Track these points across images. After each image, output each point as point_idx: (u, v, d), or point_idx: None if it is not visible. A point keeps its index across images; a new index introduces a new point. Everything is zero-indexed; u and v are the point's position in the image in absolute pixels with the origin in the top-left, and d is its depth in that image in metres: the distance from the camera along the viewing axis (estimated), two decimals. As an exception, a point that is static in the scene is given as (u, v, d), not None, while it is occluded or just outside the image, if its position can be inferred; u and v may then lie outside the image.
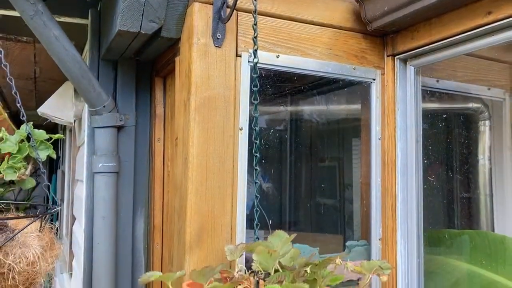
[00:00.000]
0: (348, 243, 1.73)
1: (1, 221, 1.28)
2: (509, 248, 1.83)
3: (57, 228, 1.33)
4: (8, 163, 1.30)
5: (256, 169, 1.26)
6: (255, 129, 1.26)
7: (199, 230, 1.40)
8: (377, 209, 1.70)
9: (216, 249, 1.40)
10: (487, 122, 2.93)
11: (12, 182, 1.54)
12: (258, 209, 1.35)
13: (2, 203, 1.42)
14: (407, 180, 1.71)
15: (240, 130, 1.47)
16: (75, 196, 2.68)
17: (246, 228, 1.46)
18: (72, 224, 2.77)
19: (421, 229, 1.70)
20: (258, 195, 1.39)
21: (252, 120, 1.40)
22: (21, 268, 1.11)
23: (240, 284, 1.01)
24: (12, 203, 1.43)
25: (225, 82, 1.44)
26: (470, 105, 2.98)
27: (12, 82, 1.29)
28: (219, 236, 1.42)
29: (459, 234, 1.99)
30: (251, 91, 1.38)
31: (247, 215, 1.49)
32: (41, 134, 1.39)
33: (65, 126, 3.68)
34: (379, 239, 1.70)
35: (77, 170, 2.69)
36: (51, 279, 4.18)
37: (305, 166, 2.58)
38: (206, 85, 1.41)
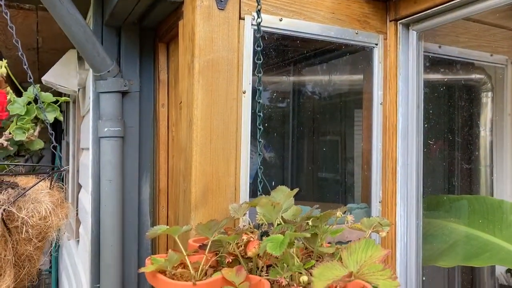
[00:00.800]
0: (348, 205, 1.77)
1: (13, 181, 1.32)
2: (507, 212, 1.87)
3: (65, 189, 1.36)
4: (17, 124, 1.33)
5: (259, 128, 1.28)
6: (258, 89, 1.29)
7: (204, 190, 1.44)
8: (378, 172, 1.74)
9: (221, 208, 1.44)
10: (489, 94, 2.94)
11: (17, 154, 1.58)
12: (262, 180, 1.39)
13: (12, 164, 1.46)
14: (407, 145, 1.74)
15: (244, 93, 1.49)
16: (81, 165, 2.73)
17: (250, 197, 1.50)
18: (78, 193, 2.82)
19: (421, 192, 1.74)
20: (261, 166, 1.43)
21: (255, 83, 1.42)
22: (34, 222, 1.15)
23: (245, 235, 1.05)
24: (21, 165, 1.47)
25: (229, 45, 1.45)
26: (473, 76, 2.99)
27: (18, 44, 1.31)
28: (223, 196, 1.46)
29: (457, 199, 2.03)
30: (255, 53, 1.39)
31: (250, 183, 1.53)
32: (48, 96, 1.41)
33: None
34: (379, 202, 1.74)
35: (82, 139, 2.73)
36: (58, 248, 4.28)
37: (307, 135, 2.61)
38: (210, 48, 1.43)
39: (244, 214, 1.28)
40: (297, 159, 2.58)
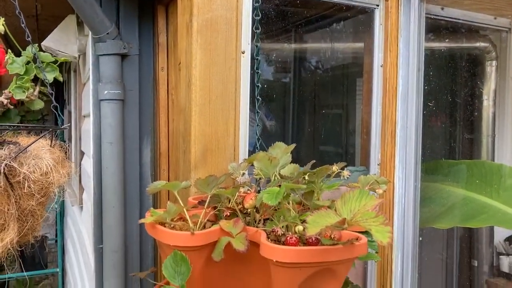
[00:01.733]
0: (347, 168, 1.79)
1: (14, 140, 1.33)
2: (505, 175, 1.89)
3: (66, 148, 1.38)
4: (16, 83, 1.34)
5: (257, 86, 1.29)
6: (256, 46, 1.28)
7: (203, 150, 1.45)
8: (377, 135, 1.74)
9: (220, 168, 1.46)
10: (493, 63, 2.91)
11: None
12: (259, 138, 1.40)
13: (12, 125, 1.47)
14: (407, 107, 1.74)
15: (242, 53, 1.48)
16: (83, 132, 2.74)
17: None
18: (81, 160, 2.85)
19: (419, 155, 1.75)
20: (259, 124, 1.44)
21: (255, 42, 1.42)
22: (35, 177, 1.17)
23: (242, 187, 1.07)
24: (22, 126, 1.48)
25: (227, 3, 1.43)
26: (478, 44, 2.95)
27: (15, 1, 1.30)
28: (222, 156, 1.47)
29: (456, 164, 2.04)
30: (253, 10, 1.38)
31: (250, 151, 1.54)
32: (47, 56, 1.41)
33: (69, 67, 3.69)
34: (378, 164, 1.75)
35: (84, 106, 2.73)
36: (62, 217, 4.35)
37: (307, 102, 2.60)
38: (208, 7, 1.41)
39: (243, 174, 1.30)
40: (297, 126, 2.58)
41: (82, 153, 2.85)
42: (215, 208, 1.17)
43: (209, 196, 1.15)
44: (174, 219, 1.09)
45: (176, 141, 1.79)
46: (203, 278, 1.05)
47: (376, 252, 1.17)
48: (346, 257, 0.94)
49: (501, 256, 2.94)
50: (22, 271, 4.27)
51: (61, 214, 4.33)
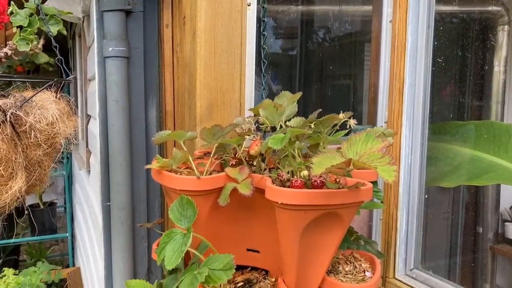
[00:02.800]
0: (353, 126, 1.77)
1: (20, 94, 1.33)
2: (514, 135, 1.86)
3: (71, 102, 1.37)
4: (20, 35, 1.33)
5: (263, 34, 1.26)
6: (263, 7, 1.26)
7: (208, 105, 1.44)
8: (384, 93, 1.72)
9: (226, 122, 1.45)
10: (506, 27, 2.84)
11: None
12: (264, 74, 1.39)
13: (18, 79, 1.47)
14: (416, 65, 1.70)
15: (248, 6, 1.45)
16: (88, 95, 2.74)
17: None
18: (87, 124, 2.86)
19: (427, 113, 1.73)
20: (265, 60, 1.42)
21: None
22: (41, 127, 1.17)
23: (248, 135, 1.06)
24: (28, 79, 1.48)
25: (233, -47, 1.40)
26: (490, 8, 2.87)
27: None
28: (228, 111, 1.47)
29: (464, 124, 2.02)
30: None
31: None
32: (50, 8, 1.39)
33: (74, 34, 3.66)
34: (385, 122, 1.74)
35: (89, 70, 2.72)
36: (71, 184, 4.41)
37: (314, 64, 2.57)
38: (213, -44, 1.38)
39: (249, 122, 1.29)
40: (304, 90, 2.56)
41: (88, 117, 2.86)
42: (220, 158, 1.17)
43: (215, 146, 1.15)
44: (181, 168, 1.09)
45: (181, 100, 1.78)
46: (209, 224, 1.06)
47: (381, 202, 1.17)
48: (351, 201, 0.94)
49: (506, 223, 2.95)
50: (34, 236, 4.37)
51: (69, 182, 4.38)
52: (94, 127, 2.24)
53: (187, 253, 1.06)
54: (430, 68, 1.72)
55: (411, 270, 1.76)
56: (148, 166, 1.03)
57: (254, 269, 1.14)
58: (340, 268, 1.17)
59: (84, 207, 3.22)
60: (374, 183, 1.21)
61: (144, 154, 1.86)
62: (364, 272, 1.16)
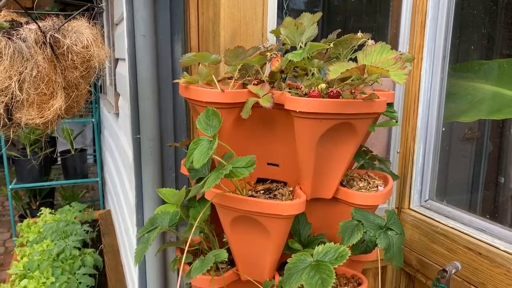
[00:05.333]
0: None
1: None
2: (537, 72, 1.86)
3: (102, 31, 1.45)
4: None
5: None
6: None
7: (232, 34, 1.50)
8: (406, 27, 1.73)
9: (248, 52, 1.51)
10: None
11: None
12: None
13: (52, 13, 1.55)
14: (439, -3, 1.70)
15: None
16: (116, 38, 2.82)
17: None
18: (115, 68, 2.96)
19: (449, 48, 1.74)
20: None
21: None
22: (77, 49, 1.26)
23: (268, 53, 1.12)
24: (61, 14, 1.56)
25: None
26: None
27: None
28: (251, 40, 1.52)
29: (487, 62, 2.01)
30: None
31: None
32: None
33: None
34: (405, 57, 1.76)
35: (115, 13, 2.79)
36: (99, 132, 4.59)
37: (337, 12, 2.54)
38: None
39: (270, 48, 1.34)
40: (327, 20, 2.53)
41: (116, 61, 2.96)
42: (243, 81, 1.24)
43: (237, 68, 1.22)
44: (205, 83, 1.16)
45: (206, 34, 1.84)
46: (232, 138, 1.15)
47: (396, 122, 1.23)
48: (365, 111, 1.01)
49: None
50: (66, 180, 4.61)
51: (98, 130, 4.56)
52: (123, 68, 2.33)
53: (213, 163, 1.15)
54: (454, 1, 1.71)
55: (425, 201, 1.83)
56: (176, 81, 1.11)
57: (273, 182, 1.23)
58: (355, 184, 1.25)
59: (114, 150, 3.38)
60: (390, 104, 1.26)
61: (171, 90, 1.94)
62: (377, 187, 1.23)
